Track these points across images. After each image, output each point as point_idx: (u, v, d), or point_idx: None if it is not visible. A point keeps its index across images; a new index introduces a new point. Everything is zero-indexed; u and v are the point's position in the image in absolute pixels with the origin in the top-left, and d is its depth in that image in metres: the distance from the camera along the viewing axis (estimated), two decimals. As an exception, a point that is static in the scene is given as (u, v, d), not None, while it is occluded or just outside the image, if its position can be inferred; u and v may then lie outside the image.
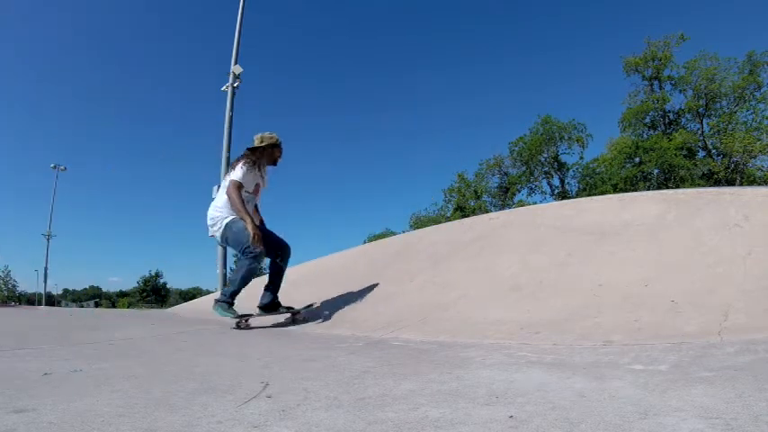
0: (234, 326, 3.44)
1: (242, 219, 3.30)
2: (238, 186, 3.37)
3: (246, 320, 3.47)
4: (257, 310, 3.60)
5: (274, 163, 3.68)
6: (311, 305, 3.77)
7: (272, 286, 3.62)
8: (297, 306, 3.72)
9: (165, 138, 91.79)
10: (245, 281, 3.35)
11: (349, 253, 5.96)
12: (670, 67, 24.07)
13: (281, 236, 3.75)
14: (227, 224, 3.38)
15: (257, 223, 3.43)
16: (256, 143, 3.58)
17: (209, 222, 3.51)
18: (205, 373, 1.66)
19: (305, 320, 3.57)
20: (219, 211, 3.44)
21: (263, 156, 3.58)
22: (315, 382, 1.47)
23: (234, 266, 3.78)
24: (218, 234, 3.45)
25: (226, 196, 3.39)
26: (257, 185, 3.58)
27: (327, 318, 3.46)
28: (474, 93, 69.19)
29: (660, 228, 3.01)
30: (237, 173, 3.41)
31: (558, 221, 3.82)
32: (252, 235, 3.22)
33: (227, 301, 3.39)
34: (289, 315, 3.66)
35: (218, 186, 4.21)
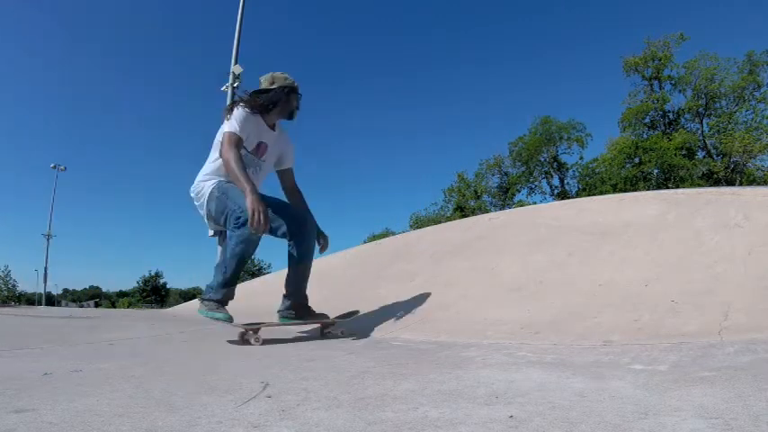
0: (237, 337, 2.51)
1: (238, 185, 2.32)
2: (235, 141, 2.39)
3: (256, 331, 2.41)
4: (276, 316, 2.69)
5: (290, 116, 2.69)
6: (353, 313, 2.81)
7: (292, 279, 2.63)
8: (330, 312, 2.77)
9: (166, 137, 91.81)
10: (238, 266, 2.39)
11: (349, 253, 5.96)
12: (670, 67, 24.09)
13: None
14: (210, 191, 2.48)
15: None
16: (264, 85, 2.62)
17: (192, 194, 2.62)
18: (205, 373, 1.66)
19: (341, 335, 2.67)
20: (206, 176, 2.55)
21: (274, 103, 2.59)
22: (315, 382, 1.47)
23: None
24: (202, 209, 2.56)
25: (218, 158, 2.50)
26: (261, 145, 2.60)
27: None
28: (474, 93, 69.21)
29: (660, 228, 3.01)
30: (232, 122, 2.44)
31: (558, 221, 3.82)
32: (251, 211, 2.20)
33: (216, 298, 2.42)
34: (317, 325, 2.76)
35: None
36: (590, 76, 54.96)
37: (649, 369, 1.41)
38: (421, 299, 3.24)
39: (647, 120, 24.92)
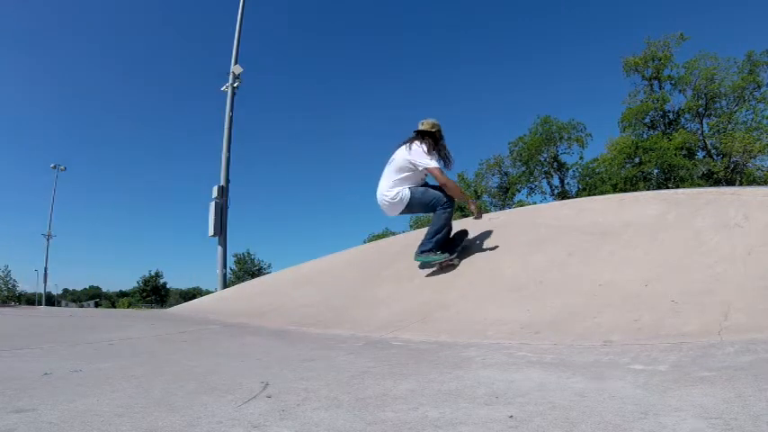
0: (437, 268, 3.64)
1: (462, 198, 3.88)
2: (443, 171, 3.63)
3: (452, 261, 3.65)
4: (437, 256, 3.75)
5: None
6: (464, 232, 3.97)
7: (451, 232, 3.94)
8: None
9: (166, 137, 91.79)
10: (445, 227, 3.63)
11: (349, 253, 5.96)
12: (670, 67, 24.04)
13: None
14: (411, 193, 3.67)
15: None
16: (426, 127, 3.73)
17: (389, 199, 3.70)
18: (205, 373, 1.66)
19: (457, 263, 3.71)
20: (400, 183, 3.69)
21: (434, 142, 3.73)
22: (315, 382, 1.47)
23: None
24: (401, 207, 3.70)
25: (398, 175, 3.67)
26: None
27: (327, 318, 3.46)
28: (474, 93, 69.23)
29: (660, 228, 3.01)
30: (434, 161, 3.60)
31: (558, 221, 3.82)
32: (477, 212, 3.81)
33: (432, 248, 3.60)
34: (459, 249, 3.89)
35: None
36: (590, 76, 54.98)
37: (649, 369, 1.41)
38: (421, 299, 3.24)
39: (647, 120, 24.89)
